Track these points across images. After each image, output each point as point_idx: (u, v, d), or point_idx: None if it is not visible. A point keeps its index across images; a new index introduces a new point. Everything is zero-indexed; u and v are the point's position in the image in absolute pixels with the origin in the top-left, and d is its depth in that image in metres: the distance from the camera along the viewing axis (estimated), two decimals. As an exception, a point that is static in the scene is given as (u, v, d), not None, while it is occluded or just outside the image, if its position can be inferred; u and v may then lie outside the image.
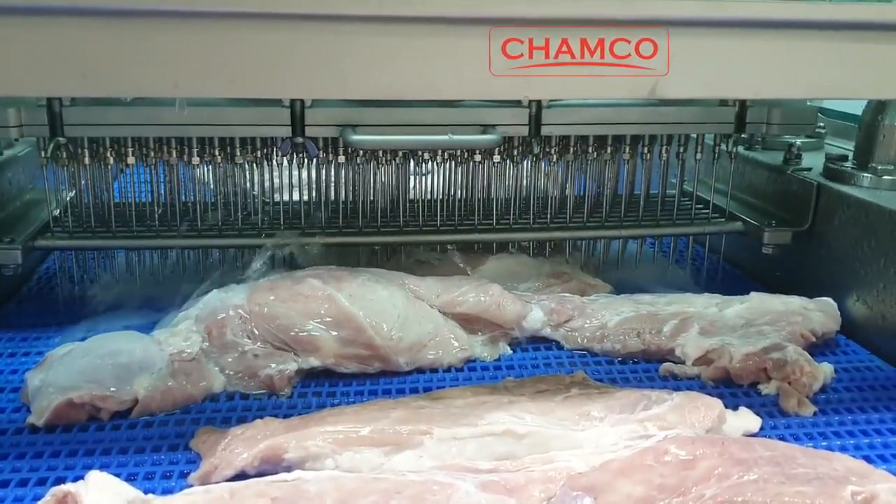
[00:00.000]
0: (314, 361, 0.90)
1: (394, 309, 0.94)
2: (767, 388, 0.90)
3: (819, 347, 1.01)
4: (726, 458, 0.69)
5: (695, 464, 0.68)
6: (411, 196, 1.19)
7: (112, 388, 0.82)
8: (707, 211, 1.24)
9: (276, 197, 1.17)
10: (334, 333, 0.90)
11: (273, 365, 0.88)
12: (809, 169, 1.20)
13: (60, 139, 1.01)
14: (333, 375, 0.91)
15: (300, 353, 0.90)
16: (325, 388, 0.90)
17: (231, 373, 0.88)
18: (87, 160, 1.06)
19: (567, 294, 1.07)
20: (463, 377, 0.93)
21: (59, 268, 1.16)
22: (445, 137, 1.00)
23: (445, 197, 1.18)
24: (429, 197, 1.19)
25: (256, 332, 0.91)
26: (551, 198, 1.19)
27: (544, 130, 1.07)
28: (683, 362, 0.95)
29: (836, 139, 1.39)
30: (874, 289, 1.03)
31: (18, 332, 1.03)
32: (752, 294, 1.07)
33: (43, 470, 0.73)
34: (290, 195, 1.17)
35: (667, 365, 0.95)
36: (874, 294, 1.03)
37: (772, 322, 0.99)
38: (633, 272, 1.25)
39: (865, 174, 1.12)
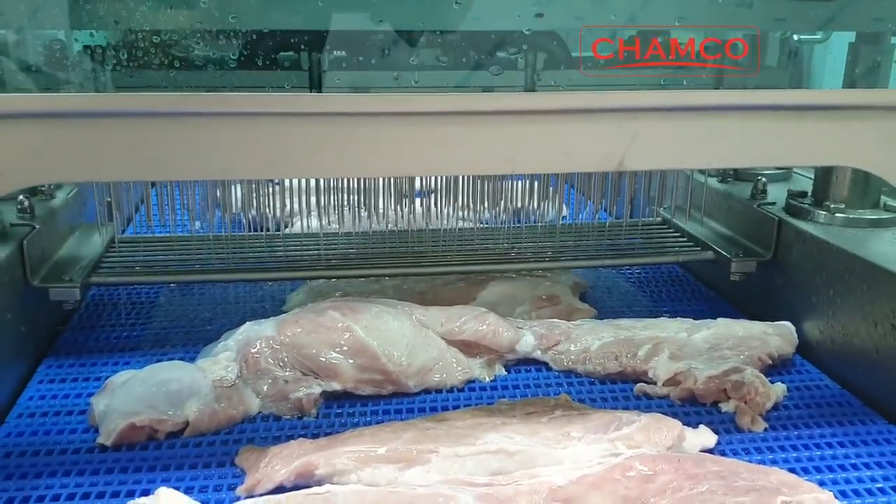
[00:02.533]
0: (336, 386, 1.04)
1: (403, 338, 1.09)
2: (727, 407, 1.04)
3: (777, 367, 1.15)
4: (681, 473, 0.83)
5: (654, 478, 0.83)
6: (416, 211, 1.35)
7: (167, 412, 0.97)
8: (683, 239, 1.39)
9: (297, 224, 1.35)
10: (351, 361, 1.05)
11: (301, 389, 1.03)
12: (773, 203, 1.33)
13: None
14: (352, 397, 1.05)
15: (323, 378, 1.04)
16: (345, 408, 1.04)
17: (265, 397, 1.03)
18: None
19: (556, 320, 1.21)
20: (464, 397, 1.08)
21: (110, 298, 1.31)
22: None
23: (447, 227, 1.35)
24: (432, 224, 1.36)
25: (286, 360, 1.05)
26: (540, 227, 1.35)
27: None
28: (655, 383, 1.09)
29: (804, 169, 1.52)
30: (825, 315, 1.17)
31: (77, 358, 1.17)
32: (719, 319, 1.21)
33: (115, 484, 0.87)
34: (308, 224, 1.35)
35: (640, 385, 1.09)
36: (825, 320, 1.17)
37: (733, 346, 1.13)
38: (618, 292, 1.41)
39: (820, 211, 1.25)
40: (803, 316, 1.22)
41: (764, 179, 1.37)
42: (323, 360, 1.05)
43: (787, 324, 1.21)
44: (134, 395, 0.99)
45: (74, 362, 1.16)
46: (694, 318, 1.24)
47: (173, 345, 1.21)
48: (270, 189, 1.31)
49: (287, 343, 1.06)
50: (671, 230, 1.45)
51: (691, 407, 1.06)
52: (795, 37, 1.51)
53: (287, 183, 1.33)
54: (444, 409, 1.04)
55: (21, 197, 1.19)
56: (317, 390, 1.03)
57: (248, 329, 1.10)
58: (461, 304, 1.28)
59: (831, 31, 1.41)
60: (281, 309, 1.31)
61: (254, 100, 0.79)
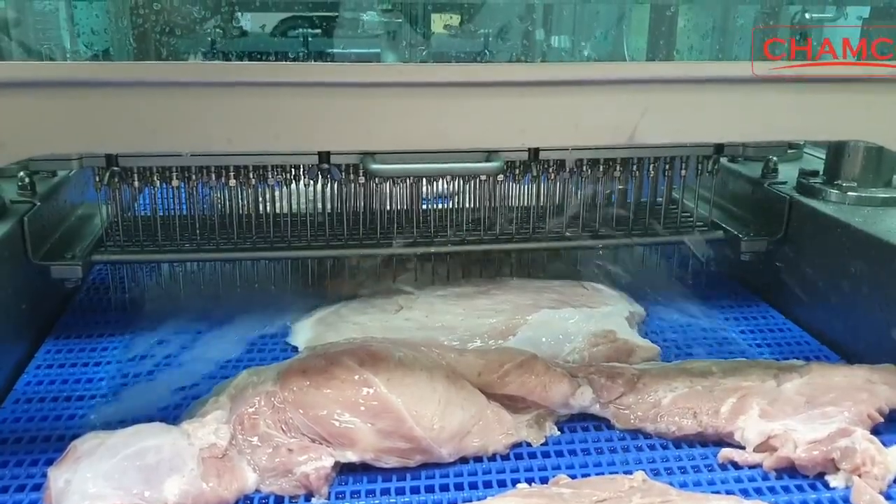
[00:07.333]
0: (351, 456, 0.84)
1: (434, 393, 0.89)
2: (836, 481, 0.84)
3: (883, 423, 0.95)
4: None
5: None
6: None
7: (140, 495, 0.77)
8: (692, 220, 1.34)
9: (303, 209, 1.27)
10: (371, 425, 0.85)
11: (309, 461, 0.83)
12: (784, 182, 1.29)
13: (115, 168, 1.11)
14: (372, 470, 0.85)
15: (336, 446, 0.84)
16: (363, 484, 0.84)
17: (264, 470, 0.83)
18: (136, 184, 1.15)
19: (616, 364, 1.01)
20: (510, 467, 0.87)
21: (112, 278, 1.27)
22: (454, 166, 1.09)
23: (455, 209, 1.28)
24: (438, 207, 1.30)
25: (290, 422, 0.85)
26: (549, 210, 1.28)
27: (542, 155, 1.18)
28: (743, 447, 0.89)
29: (815, 149, 1.48)
30: (833, 294, 1.13)
31: (78, 341, 1.13)
32: (812, 364, 1.01)
33: None
34: (315, 208, 1.26)
35: (726, 451, 0.89)
36: (833, 299, 1.13)
37: (835, 401, 0.92)
38: (635, 276, 1.34)
39: (832, 190, 1.21)
40: (814, 295, 1.18)
41: (774, 159, 1.32)
42: (336, 423, 0.85)
43: (892, 367, 1.00)
44: (100, 472, 0.79)
45: (74, 347, 1.12)
46: (720, 310, 1.26)
47: (178, 323, 1.17)
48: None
49: (292, 400, 0.86)
50: (680, 211, 1.39)
51: (791, 479, 0.86)
52: (807, 15, 1.39)
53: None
54: (486, 484, 0.84)
55: (22, 174, 1.14)
56: (328, 462, 0.83)
57: (243, 381, 0.91)
58: (499, 337, 1.10)
59: (843, 11, 1.34)
60: (285, 341, 1.15)
61: (259, 69, 0.77)
